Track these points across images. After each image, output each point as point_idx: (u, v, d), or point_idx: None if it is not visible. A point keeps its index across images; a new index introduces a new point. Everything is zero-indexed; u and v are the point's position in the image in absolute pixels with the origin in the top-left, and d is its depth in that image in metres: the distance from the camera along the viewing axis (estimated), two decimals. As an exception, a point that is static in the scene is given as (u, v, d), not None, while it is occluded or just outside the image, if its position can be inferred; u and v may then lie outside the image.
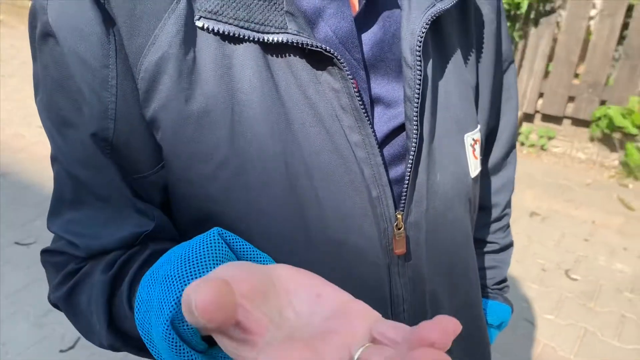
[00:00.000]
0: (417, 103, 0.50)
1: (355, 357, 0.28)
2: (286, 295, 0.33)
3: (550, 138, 3.37)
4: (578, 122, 3.26)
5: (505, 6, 3.04)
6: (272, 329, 0.30)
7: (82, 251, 0.50)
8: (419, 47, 0.49)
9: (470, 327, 0.67)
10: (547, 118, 3.36)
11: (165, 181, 0.49)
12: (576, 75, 3.20)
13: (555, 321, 2.14)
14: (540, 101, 3.32)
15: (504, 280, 0.85)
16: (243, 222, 0.48)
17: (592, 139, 3.22)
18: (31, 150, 3.47)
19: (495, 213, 0.79)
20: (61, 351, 2.03)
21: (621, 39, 3.03)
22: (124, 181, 0.48)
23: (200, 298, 0.26)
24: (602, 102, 3.10)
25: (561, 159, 3.33)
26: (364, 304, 0.33)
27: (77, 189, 0.49)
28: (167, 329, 0.35)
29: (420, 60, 0.49)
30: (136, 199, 0.49)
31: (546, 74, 3.27)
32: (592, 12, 3.06)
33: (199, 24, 0.44)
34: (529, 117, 3.42)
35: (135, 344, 0.47)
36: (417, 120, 0.50)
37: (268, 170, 0.47)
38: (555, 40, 3.22)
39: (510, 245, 0.84)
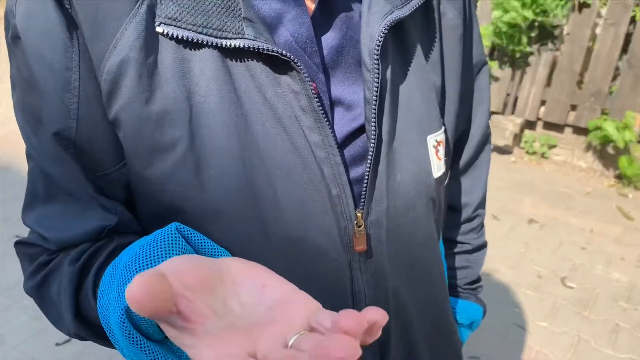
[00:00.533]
0: (375, 105, 0.51)
1: (290, 344, 0.30)
2: (233, 287, 0.35)
3: (551, 146, 3.37)
4: (579, 131, 3.26)
5: (510, 18, 3.06)
6: (213, 319, 0.32)
7: (52, 244, 0.52)
8: (377, 51, 0.51)
9: (435, 324, 0.68)
10: (549, 126, 3.37)
11: (127, 178, 0.51)
12: (579, 84, 3.20)
13: (549, 328, 2.14)
14: (542, 109, 3.33)
15: (477, 281, 0.86)
16: (201, 220, 0.49)
17: (589, 148, 3.22)
18: (36, 145, 3.51)
19: (465, 214, 0.81)
20: (57, 344, 2.05)
21: (625, 48, 3.03)
22: (87, 179, 0.50)
23: (131, 291, 0.28)
24: (604, 112, 3.10)
25: (562, 167, 3.33)
26: (307, 294, 0.35)
27: (47, 185, 0.52)
28: (121, 317, 0.38)
29: (378, 64, 0.51)
30: (99, 196, 0.51)
31: (549, 81, 3.28)
32: (597, 21, 3.07)
33: (159, 29, 0.46)
34: (530, 125, 3.42)
35: (99, 333, 0.49)
36: (375, 122, 0.52)
37: (225, 170, 0.48)
38: (558, 48, 3.22)
39: (483, 246, 0.85)
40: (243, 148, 0.48)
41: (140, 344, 0.38)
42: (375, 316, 0.30)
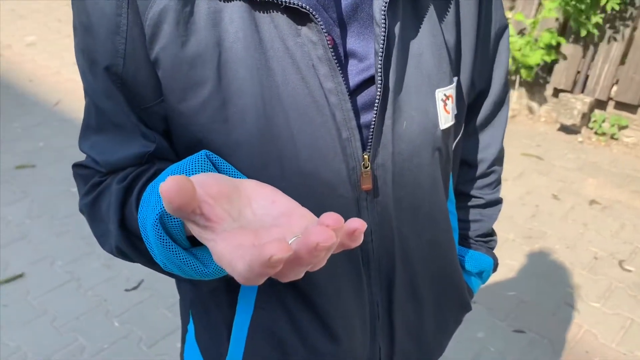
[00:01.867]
0: (382, 56, 0.57)
1: (289, 242, 0.37)
2: (247, 200, 0.43)
3: (622, 127, 3.24)
4: (654, 112, 3.11)
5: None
6: (229, 221, 0.40)
7: (103, 166, 0.62)
8: (384, 6, 0.56)
9: (440, 267, 0.73)
10: (620, 106, 3.23)
11: (165, 112, 0.59)
12: (656, 62, 3.04)
13: (600, 309, 2.11)
14: (614, 88, 3.19)
15: (490, 234, 0.90)
16: (224, 150, 0.57)
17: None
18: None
19: (480, 169, 0.85)
20: (126, 290, 2.24)
21: None
22: (132, 111, 0.59)
23: (164, 186, 0.36)
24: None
25: (632, 149, 3.20)
26: (307, 210, 0.43)
27: (98, 116, 0.61)
28: (156, 222, 0.47)
29: (385, 19, 0.56)
30: (141, 125, 0.60)
31: (622, 60, 3.13)
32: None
33: None
34: (601, 104, 3.30)
35: (139, 246, 0.58)
36: (381, 72, 0.57)
37: (246, 107, 0.55)
38: (636, 26, 3.07)
39: (497, 202, 0.89)
40: (264, 90, 0.55)
41: (170, 246, 0.47)
42: (356, 224, 0.37)
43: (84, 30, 0.57)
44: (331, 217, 0.36)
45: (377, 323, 0.71)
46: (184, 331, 0.80)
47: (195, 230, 0.40)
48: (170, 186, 0.36)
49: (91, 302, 2.18)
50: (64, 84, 4.13)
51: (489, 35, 0.74)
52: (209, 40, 0.54)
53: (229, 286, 0.68)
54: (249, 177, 0.54)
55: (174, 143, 0.62)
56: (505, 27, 0.76)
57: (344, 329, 0.67)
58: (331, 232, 0.34)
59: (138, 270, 2.30)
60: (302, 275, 0.38)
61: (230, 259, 0.36)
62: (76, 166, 0.67)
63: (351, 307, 0.67)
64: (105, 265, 2.36)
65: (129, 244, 0.59)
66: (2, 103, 3.79)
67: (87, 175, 0.65)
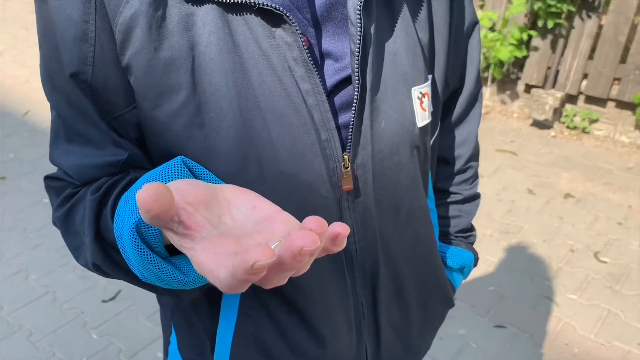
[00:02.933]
0: (358, 56, 0.56)
1: (272, 247, 0.36)
2: (227, 206, 0.42)
3: (593, 121, 3.30)
4: (623, 105, 3.17)
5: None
6: (209, 229, 0.39)
7: (75, 178, 0.60)
8: (359, 5, 0.55)
9: (422, 263, 0.74)
10: (590, 100, 3.29)
11: (138, 119, 0.58)
12: (623, 57, 3.11)
13: (578, 301, 2.14)
14: (584, 82, 3.25)
15: (469, 229, 0.91)
16: (202, 156, 0.55)
17: (637, 125, 3.14)
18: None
19: (457, 165, 0.86)
20: (103, 301, 2.20)
21: (673, 19, 2.91)
22: (102, 119, 0.57)
23: (140, 194, 0.35)
24: (650, 85, 3.01)
25: (603, 142, 3.26)
26: (289, 215, 0.42)
27: (66, 128, 0.59)
28: (132, 231, 0.45)
29: (360, 19, 0.55)
30: (112, 132, 0.58)
31: (591, 54, 3.19)
32: (644, -9, 2.95)
33: None
34: (572, 99, 3.35)
35: (114, 258, 0.57)
36: (358, 72, 0.57)
37: (223, 111, 0.54)
38: (600, 21, 3.13)
39: (475, 197, 0.90)
40: (240, 93, 0.54)
41: (147, 256, 0.45)
42: (339, 229, 0.37)
43: (49, 37, 0.55)
44: (314, 221, 0.35)
45: (363, 323, 0.70)
46: (166, 343, 0.79)
47: (173, 239, 0.39)
48: (147, 194, 0.35)
49: (68, 315, 2.13)
50: (33, 94, 4.04)
51: (461, 32, 0.74)
52: (181, 44, 0.53)
53: (210, 295, 0.67)
54: (227, 181, 0.53)
55: (148, 150, 0.61)
56: (475, 23, 0.77)
57: (329, 330, 0.67)
58: (315, 236, 0.33)
59: (115, 280, 2.26)
60: (285, 280, 0.38)
61: (211, 267, 0.35)
62: (48, 178, 0.65)
63: (336, 308, 0.66)
64: (82, 276, 2.32)
65: (104, 257, 0.57)
66: (-31, 114, 3.70)
67: (59, 187, 0.63)
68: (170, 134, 0.56)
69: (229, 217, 0.41)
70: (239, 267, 0.33)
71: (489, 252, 2.41)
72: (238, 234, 0.39)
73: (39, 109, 3.82)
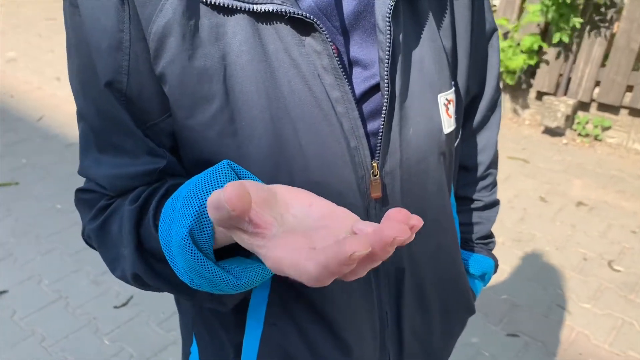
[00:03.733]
0: (388, 64, 0.57)
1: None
2: (285, 205, 0.43)
3: (605, 128, 3.28)
4: (636, 113, 3.15)
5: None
6: (276, 226, 0.40)
7: (109, 189, 0.60)
8: (389, 14, 0.56)
9: (446, 271, 0.73)
10: (603, 107, 3.27)
11: (172, 128, 0.58)
12: (636, 64, 3.09)
13: (591, 310, 2.12)
14: (596, 89, 3.23)
15: (489, 236, 0.91)
16: (236, 163, 0.55)
17: (650, 130, 3.12)
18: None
19: (478, 172, 0.86)
20: (115, 307, 2.21)
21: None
22: (137, 128, 0.57)
23: (227, 192, 0.36)
24: (663, 92, 2.99)
25: (616, 150, 3.24)
26: (347, 210, 0.43)
27: (98, 139, 0.59)
28: (186, 236, 0.45)
29: (389, 27, 0.56)
30: (149, 141, 0.58)
31: (604, 62, 3.18)
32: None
33: None
34: (584, 106, 3.34)
35: (156, 267, 0.57)
36: (387, 79, 0.57)
37: (254, 120, 0.55)
38: (610, 28, 3.12)
39: (495, 203, 0.90)
40: (271, 102, 0.55)
41: (202, 261, 0.46)
42: (415, 220, 0.38)
43: (82, 48, 0.56)
44: (399, 212, 0.36)
45: (387, 331, 0.70)
46: (186, 353, 0.78)
47: (243, 239, 0.40)
48: (233, 193, 0.35)
49: (80, 320, 2.14)
50: (46, 100, 4.08)
51: (481, 39, 0.75)
52: (213, 54, 0.54)
53: (236, 305, 0.66)
54: None
55: (181, 159, 0.61)
56: (494, 30, 0.77)
57: (355, 339, 0.67)
58: (404, 226, 0.34)
59: (127, 286, 2.27)
60: (365, 273, 0.38)
61: (295, 261, 0.36)
62: (80, 191, 0.64)
63: (361, 316, 0.66)
64: (94, 282, 2.33)
65: (146, 266, 0.57)
66: (-17, 120, 3.74)
67: (91, 199, 0.63)
68: (204, 142, 0.56)
69: (290, 215, 0.42)
70: (334, 259, 0.33)
71: (501, 260, 2.40)
72: (304, 230, 0.40)
73: (52, 115, 3.85)
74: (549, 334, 2.03)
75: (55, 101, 4.05)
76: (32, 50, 5.06)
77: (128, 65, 0.54)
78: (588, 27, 3.15)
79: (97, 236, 0.62)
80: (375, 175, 0.59)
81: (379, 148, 0.59)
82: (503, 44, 3.30)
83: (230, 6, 0.52)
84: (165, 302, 2.21)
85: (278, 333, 0.66)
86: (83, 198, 0.64)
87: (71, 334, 2.08)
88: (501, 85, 3.55)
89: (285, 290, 0.64)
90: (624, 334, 2.02)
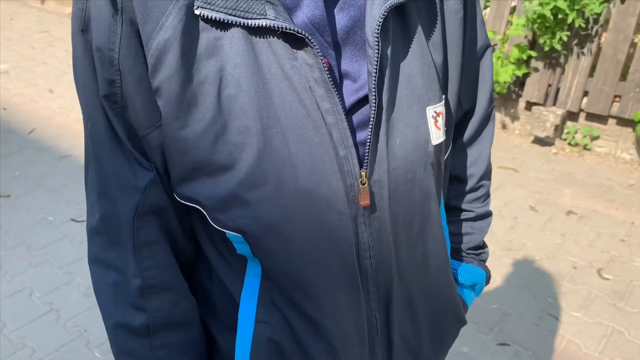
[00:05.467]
0: (375, 77, 0.59)
1: None
2: None
3: (594, 137, 3.31)
4: (624, 122, 3.19)
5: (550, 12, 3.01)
6: None
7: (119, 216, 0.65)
8: (377, 29, 0.58)
9: (434, 279, 0.75)
10: (591, 117, 3.31)
11: (158, 141, 0.61)
12: (623, 74, 3.13)
13: (582, 318, 2.14)
14: (585, 99, 3.27)
15: (481, 247, 0.92)
16: (226, 170, 0.59)
17: (637, 141, 3.15)
18: (89, 135, 3.70)
19: (470, 184, 0.87)
20: (107, 319, 2.20)
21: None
22: (131, 139, 0.61)
23: None
24: (650, 102, 3.03)
25: (605, 159, 3.27)
26: None
27: (95, 147, 0.64)
28: None
29: (378, 42, 0.58)
30: (137, 153, 0.62)
31: (592, 72, 3.22)
32: (642, 10, 2.99)
33: (197, 12, 0.55)
34: (572, 116, 3.37)
35: None
36: (375, 92, 0.59)
37: (246, 129, 0.57)
38: (595, 41, 3.16)
39: (487, 214, 0.91)
40: (262, 112, 0.57)
41: None
42: None
43: (81, 62, 0.60)
44: None
45: (376, 338, 0.72)
46: None
47: None
48: None
49: (71, 333, 2.13)
50: (38, 112, 4.08)
51: (473, 54, 0.77)
52: (210, 68, 0.56)
53: (227, 307, 0.70)
54: (247, 193, 0.58)
55: (169, 168, 0.63)
56: (488, 45, 0.79)
57: (342, 344, 0.68)
58: None
59: (119, 298, 2.26)
60: None
61: None
62: (93, 262, 0.70)
63: (350, 323, 0.68)
64: (85, 294, 2.32)
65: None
66: (-25, 133, 3.73)
67: (118, 286, 0.68)
68: (197, 150, 0.59)
69: None
70: None
71: (492, 269, 2.41)
72: None
73: (45, 127, 3.85)
74: (539, 343, 2.04)
75: (47, 113, 4.05)
76: (24, 62, 5.06)
77: (120, 79, 0.57)
78: (575, 41, 3.19)
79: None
80: (364, 184, 0.61)
81: (367, 157, 0.61)
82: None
83: (226, 21, 0.55)
84: (156, 314, 2.20)
85: (270, 330, 0.68)
86: (104, 279, 0.69)
87: (62, 347, 2.07)
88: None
89: (274, 292, 0.67)
90: (613, 342, 2.03)
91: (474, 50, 0.77)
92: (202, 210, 0.63)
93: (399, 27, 0.63)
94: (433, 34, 0.67)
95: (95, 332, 2.13)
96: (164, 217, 0.66)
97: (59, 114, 4.05)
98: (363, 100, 0.62)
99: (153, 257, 0.66)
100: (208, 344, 0.75)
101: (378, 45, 0.58)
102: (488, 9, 3.52)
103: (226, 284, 0.70)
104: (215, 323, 0.73)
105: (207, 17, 0.54)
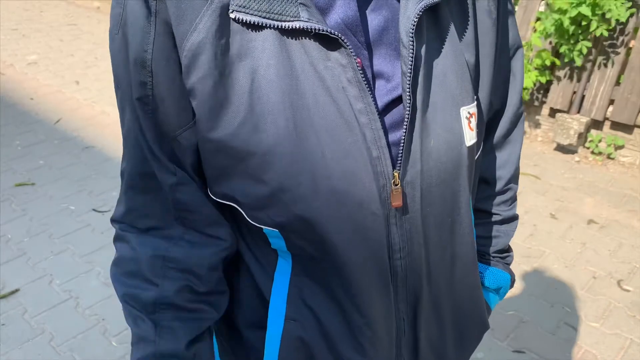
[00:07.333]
0: (410, 77, 0.59)
1: None
2: None
3: (618, 147, 3.26)
4: (650, 132, 3.14)
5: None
6: None
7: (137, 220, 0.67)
8: (412, 29, 0.58)
9: (461, 282, 0.74)
10: (616, 126, 3.26)
11: (190, 142, 0.62)
12: (651, 83, 3.08)
13: (600, 329, 2.11)
14: (610, 108, 3.23)
15: (506, 250, 0.91)
16: (259, 170, 0.59)
17: (664, 151, 3.10)
18: (114, 127, 3.77)
19: (498, 186, 0.86)
20: (124, 309, 2.24)
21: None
22: (164, 140, 0.62)
23: None
24: (678, 113, 2.97)
25: (629, 169, 3.22)
26: None
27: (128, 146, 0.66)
28: None
29: (412, 42, 0.58)
30: (164, 157, 0.63)
31: (618, 80, 3.17)
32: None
33: (232, 15, 0.55)
34: (597, 124, 3.33)
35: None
36: (409, 92, 0.59)
37: (279, 130, 0.57)
38: (627, 48, 3.11)
39: (513, 218, 0.90)
40: (295, 113, 0.57)
41: None
42: None
43: (119, 65, 0.61)
44: None
45: (403, 339, 0.72)
46: None
47: None
48: None
49: (89, 321, 2.17)
50: (65, 103, 4.15)
51: (505, 54, 0.76)
52: (243, 69, 0.57)
53: (256, 304, 0.70)
54: (282, 193, 0.58)
55: (203, 168, 0.64)
56: (519, 46, 0.79)
57: (371, 341, 0.68)
58: None
59: (137, 288, 2.29)
60: None
61: None
62: (125, 301, 0.69)
63: (380, 322, 0.68)
64: (104, 283, 2.36)
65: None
66: (3, 121, 3.81)
67: (135, 311, 0.69)
68: (229, 151, 0.59)
69: None
70: None
71: (509, 275, 2.39)
72: None
73: (70, 118, 3.92)
74: (555, 352, 2.02)
75: (73, 104, 4.12)
76: (52, 53, 5.15)
77: (152, 81, 0.58)
78: (600, 49, 3.15)
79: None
80: (396, 185, 0.61)
81: (400, 158, 0.61)
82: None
83: (259, 24, 0.55)
84: (173, 306, 2.23)
85: (299, 328, 0.68)
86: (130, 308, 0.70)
87: (80, 334, 2.10)
88: (515, 101, 3.55)
89: (305, 289, 0.67)
90: (631, 354, 2.00)
91: (505, 50, 0.76)
92: (238, 207, 0.64)
93: (432, 27, 0.63)
94: (465, 34, 0.67)
95: (113, 321, 2.16)
96: (193, 215, 0.67)
97: (84, 105, 4.11)
98: (397, 101, 0.61)
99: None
100: (231, 340, 0.76)
101: (413, 46, 0.58)
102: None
103: (256, 280, 0.70)
104: (242, 318, 0.74)
105: (242, 20, 0.55)
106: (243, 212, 0.64)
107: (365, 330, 0.67)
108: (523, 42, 3.30)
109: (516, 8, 3.47)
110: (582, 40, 3.09)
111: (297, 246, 0.64)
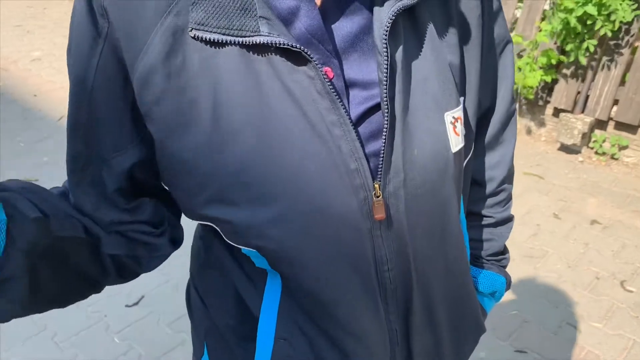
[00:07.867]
0: (386, 84, 0.56)
1: None
2: None
3: (622, 147, 3.25)
4: (654, 132, 3.13)
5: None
6: None
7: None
8: (385, 34, 0.55)
9: (454, 289, 0.72)
10: (620, 126, 3.25)
11: (121, 168, 0.62)
12: (656, 84, 3.07)
13: (602, 330, 2.11)
14: (614, 108, 3.22)
15: (501, 253, 0.89)
16: (230, 192, 0.56)
17: (668, 151, 3.09)
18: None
19: (490, 188, 0.83)
20: (127, 306, 2.24)
21: None
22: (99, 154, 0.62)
23: None
24: (682, 113, 2.96)
25: (633, 169, 3.21)
26: None
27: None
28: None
29: (386, 47, 0.55)
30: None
31: (623, 80, 3.16)
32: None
33: (191, 34, 0.53)
34: (601, 124, 3.32)
35: None
36: (387, 100, 0.56)
37: (248, 149, 0.55)
38: (631, 47, 3.10)
39: (508, 219, 0.87)
40: (264, 130, 0.54)
41: None
42: None
43: (70, 69, 0.60)
44: None
45: (397, 349, 0.70)
46: None
47: None
48: None
49: (91, 318, 2.17)
50: (68, 100, 4.15)
51: (492, 50, 0.73)
52: (204, 87, 0.54)
53: (248, 320, 0.68)
54: (255, 216, 0.56)
55: (173, 190, 0.63)
56: (508, 41, 0.75)
57: (362, 358, 0.66)
58: None
59: (139, 286, 2.30)
60: None
61: None
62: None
63: (371, 336, 0.66)
64: (107, 280, 2.36)
65: None
66: (6, 118, 3.82)
67: None
68: (197, 172, 0.57)
69: None
70: None
71: (512, 275, 2.37)
72: None
73: (73, 115, 3.92)
74: (558, 352, 2.02)
75: (76, 101, 4.12)
76: (56, 50, 5.16)
77: (90, 97, 0.58)
78: (605, 49, 3.14)
79: None
80: (378, 197, 0.58)
81: (380, 169, 0.58)
82: (520, 61, 3.30)
83: (220, 40, 0.53)
84: (176, 303, 2.23)
85: (289, 348, 0.66)
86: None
87: (82, 331, 2.11)
88: (518, 100, 3.54)
89: (294, 308, 0.65)
90: (634, 355, 2.00)
91: (493, 48, 0.73)
92: (216, 227, 0.62)
93: (410, 30, 0.60)
94: (447, 35, 0.63)
95: (115, 318, 2.17)
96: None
97: (88, 102, 4.12)
98: (375, 109, 0.58)
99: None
100: (223, 351, 0.74)
101: (387, 51, 0.55)
102: (519, 12, 3.48)
103: (243, 296, 0.68)
104: (230, 331, 0.71)
105: (202, 37, 0.53)
106: (221, 233, 0.62)
107: (356, 347, 0.65)
108: (528, 42, 3.30)
109: (521, 7, 3.46)
110: (587, 39, 3.08)
111: (280, 266, 0.62)
